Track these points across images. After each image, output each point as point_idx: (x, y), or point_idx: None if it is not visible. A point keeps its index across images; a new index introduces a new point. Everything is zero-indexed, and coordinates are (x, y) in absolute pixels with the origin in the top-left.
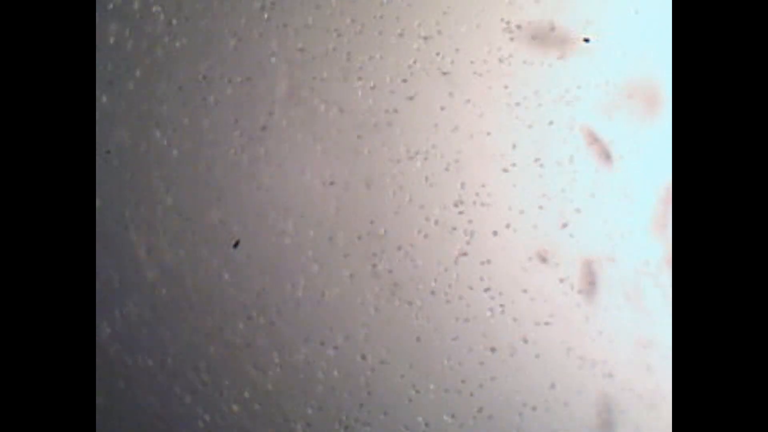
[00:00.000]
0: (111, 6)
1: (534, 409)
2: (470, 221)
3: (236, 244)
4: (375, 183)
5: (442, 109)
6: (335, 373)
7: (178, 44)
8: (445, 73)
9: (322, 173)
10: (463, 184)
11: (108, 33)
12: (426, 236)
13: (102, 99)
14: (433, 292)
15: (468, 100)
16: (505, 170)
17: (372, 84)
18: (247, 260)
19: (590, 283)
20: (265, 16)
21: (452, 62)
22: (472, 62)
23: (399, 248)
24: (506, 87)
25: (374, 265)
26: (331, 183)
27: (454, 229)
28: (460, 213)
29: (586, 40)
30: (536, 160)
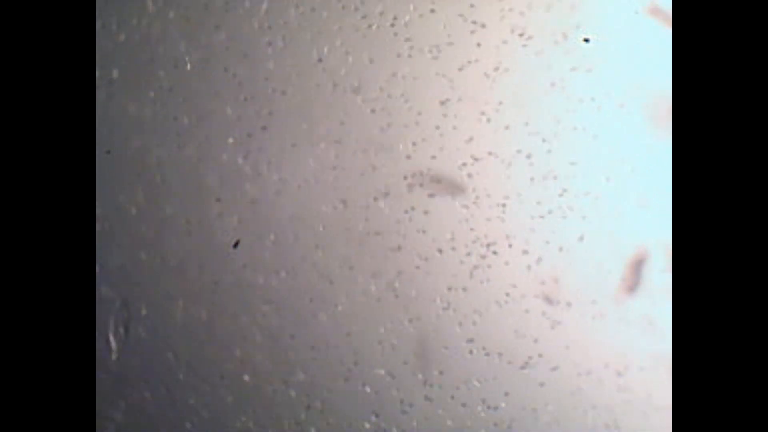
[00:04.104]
0: (111, 6)
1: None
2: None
3: (236, 244)
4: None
5: (443, 108)
6: (339, 380)
7: (178, 44)
8: (438, 74)
9: (324, 176)
10: (477, 198)
11: (108, 32)
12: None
13: (102, 99)
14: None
15: (474, 104)
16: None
17: (376, 87)
18: (247, 261)
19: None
20: (264, 18)
21: (458, 69)
22: (469, 62)
23: (399, 248)
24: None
25: (374, 273)
26: (334, 185)
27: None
28: (471, 230)
29: (586, 40)
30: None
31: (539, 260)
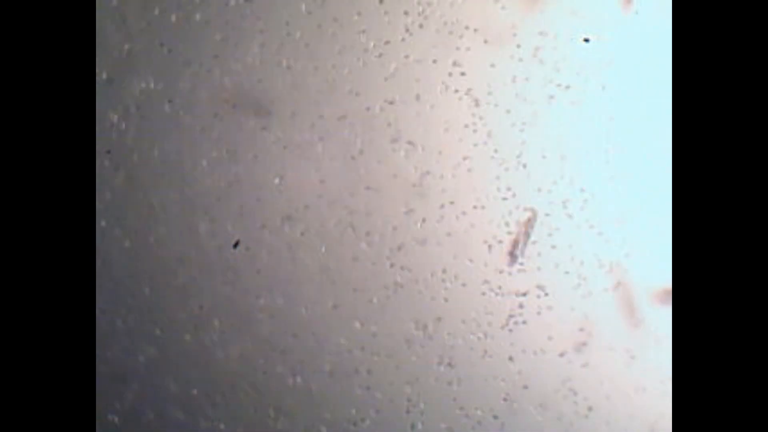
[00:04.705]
0: (112, 6)
1: None
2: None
3: (236, 244)
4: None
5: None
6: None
7: (178, 45)
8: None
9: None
10: (512, 243)
11: (108, 33)
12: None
13: (102, 98)
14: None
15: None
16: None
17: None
18: (247, 261)
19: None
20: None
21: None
22: (508, 111)
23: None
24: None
25: (413, 319)
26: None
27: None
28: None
29: (586, 40)
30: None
31: (573, 308)
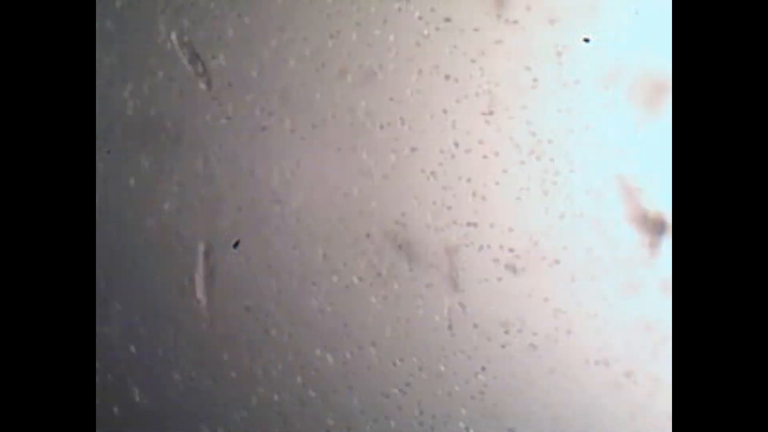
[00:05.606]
0: (112, 6)
1: None
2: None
3: (236, 244)
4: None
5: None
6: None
7: (178, 45)
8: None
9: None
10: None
11: (108, 32)
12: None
13: (102, 99)
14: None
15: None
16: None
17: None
18: (247, 261)
19: None
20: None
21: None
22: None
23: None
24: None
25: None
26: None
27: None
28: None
29: (586, 40)
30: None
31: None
